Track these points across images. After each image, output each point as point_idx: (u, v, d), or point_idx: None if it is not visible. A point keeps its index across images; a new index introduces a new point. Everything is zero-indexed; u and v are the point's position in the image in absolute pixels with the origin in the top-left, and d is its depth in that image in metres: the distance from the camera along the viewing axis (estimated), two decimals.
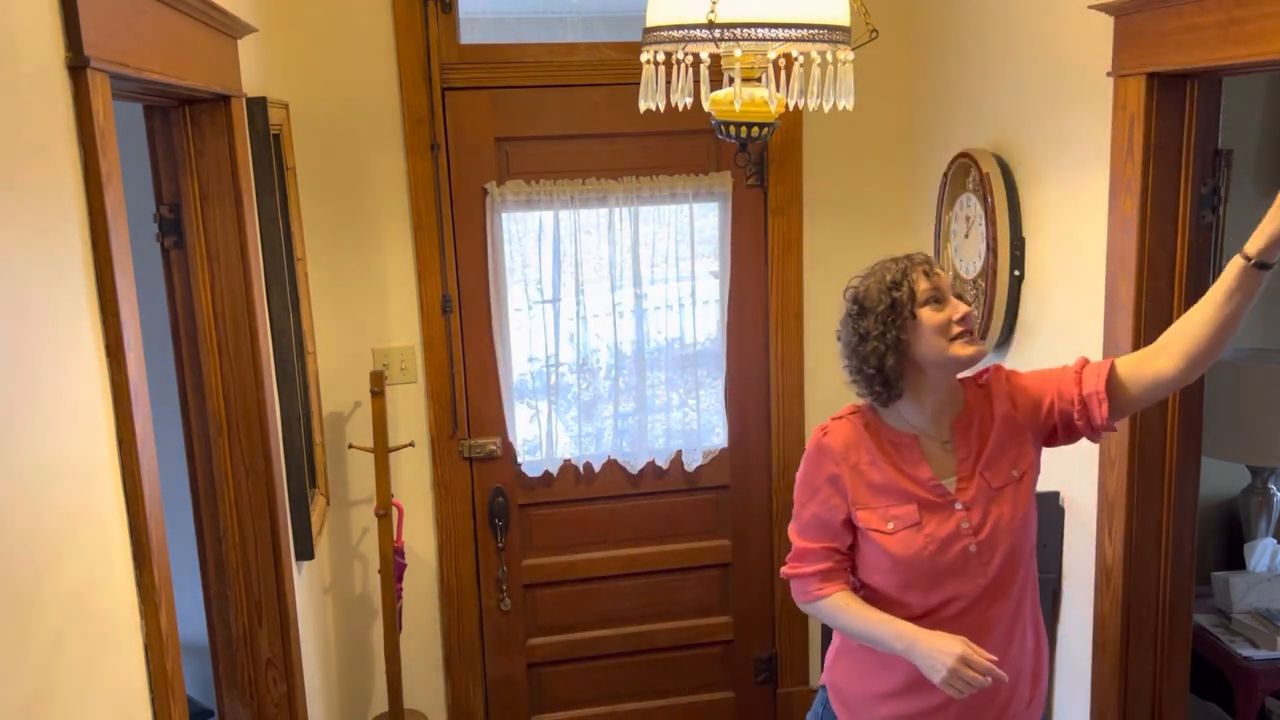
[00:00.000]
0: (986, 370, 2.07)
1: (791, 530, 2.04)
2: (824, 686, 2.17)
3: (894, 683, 1.97)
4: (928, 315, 1.89)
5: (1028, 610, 1.99)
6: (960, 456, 1.96)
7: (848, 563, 2.01)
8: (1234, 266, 1.76)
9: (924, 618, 1.92)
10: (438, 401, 3.29)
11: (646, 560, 3.52)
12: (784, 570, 2.05)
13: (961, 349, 1.89)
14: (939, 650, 1.80)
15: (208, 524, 2.23)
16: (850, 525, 1.97)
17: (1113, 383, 1.92)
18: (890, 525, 1.92)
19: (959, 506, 1.93)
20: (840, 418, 2.02)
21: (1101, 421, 1.92)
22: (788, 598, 3.61)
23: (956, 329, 1.90)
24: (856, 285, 1.97)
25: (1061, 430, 1.99)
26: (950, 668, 1.77)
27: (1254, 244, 1.74)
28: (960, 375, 2.00)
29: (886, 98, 3.37)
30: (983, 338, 2.84)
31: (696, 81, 1.80)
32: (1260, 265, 1.74)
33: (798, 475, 2.04)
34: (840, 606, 1.96)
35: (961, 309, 1.90)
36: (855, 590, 2.01)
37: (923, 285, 1.91)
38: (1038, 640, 2.03)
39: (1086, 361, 1.97)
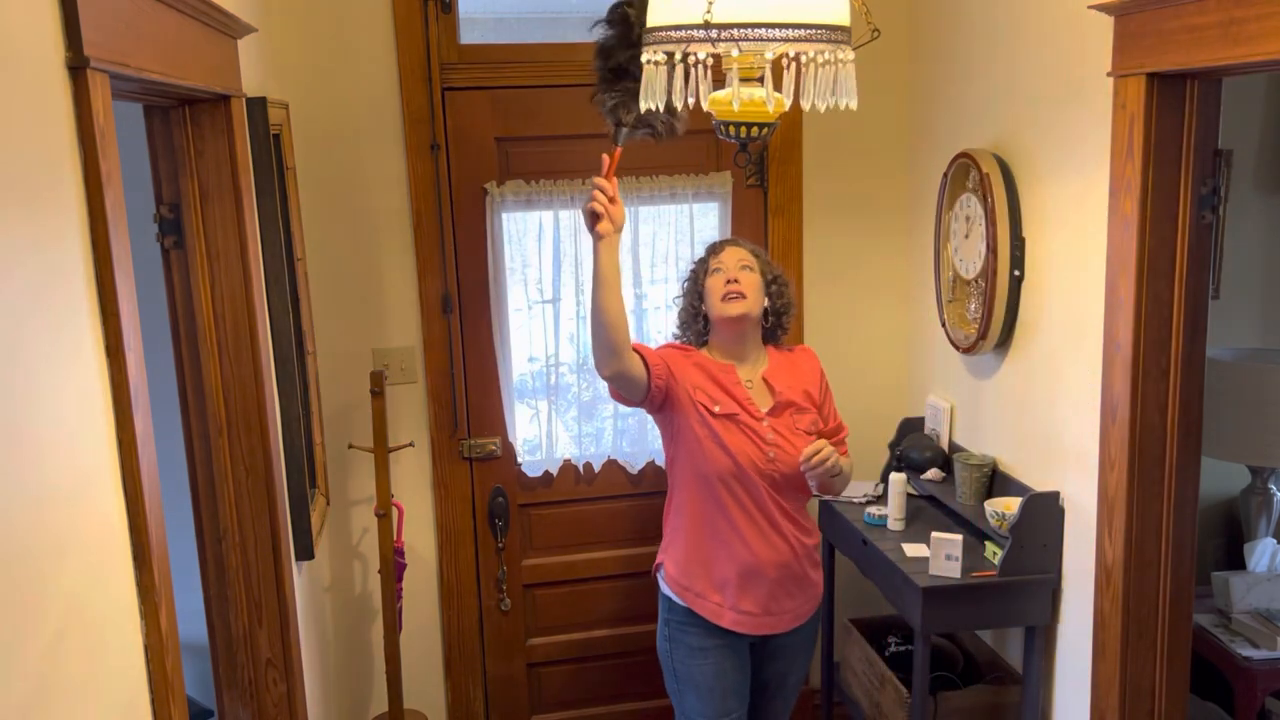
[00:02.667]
0: (799, 347, 2.75)
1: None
2: (662, 583, 2.66)
3: (726, 552, 2.53)
4: (710, 283, 2.59)
5: (793, 513, 2.56)
6: (778, 390, 2.57)
7: (646, 366, 2.49)
8: None
9: (719, 489, 2.51)
10: (438, 401, 3.29)
11: (647, 560, 3.49)
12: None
13: (724, 307, 2.55)
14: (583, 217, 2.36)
15: (208, 524, 2.23)
16: (662, 389, 2.51)
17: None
18: (717, 407, 2.51)
19: (766, 424, 2.52)
20: (672, 345, 2.67)
21: None
22: None
23: (723, 289, 2.54)
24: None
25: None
26: (583, 210, 2.35)
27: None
28: (771, 343, 2.67)
29: (887, 98, 3.37)
30: (983, 337, 2.85)
31: (695, 81, 1.80)
32: None
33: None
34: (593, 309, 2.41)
35: (732, 276, 2.55)
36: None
37: (711, 262, 2.62)
38: (801, 538, 2.58)
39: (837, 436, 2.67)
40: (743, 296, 2.53)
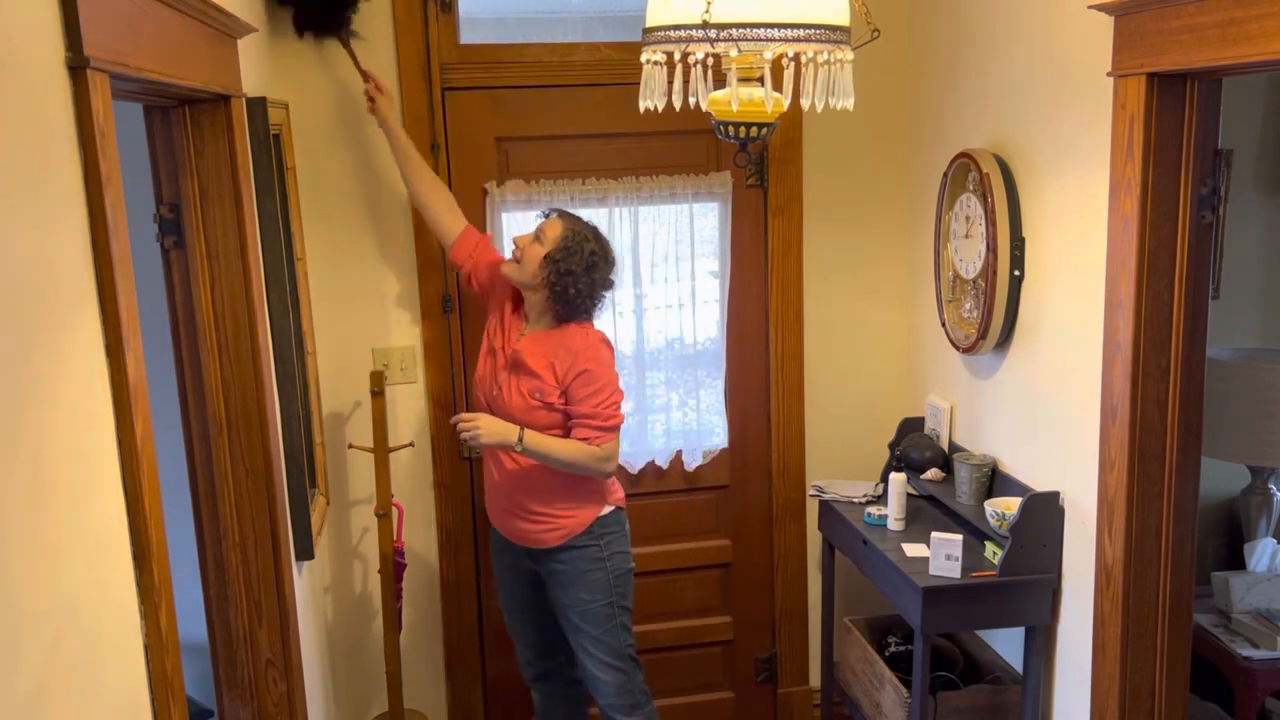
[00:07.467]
0: (585, 334, 2.77)
1: None
2: None
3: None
4: None
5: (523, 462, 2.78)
6: (517, 349, 2.79)
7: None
8: None
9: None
10: (438, 401, 3.29)
11: (646, 560, 3.51)
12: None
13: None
14: None
15: (208, 524, 2.23)
16: (464, 273, 2.98)
17: None
18: (489, 341, 2.89)
19: (505, 367, 2.80)
20: None
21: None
22: (788, 598, 3.62)
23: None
24: None
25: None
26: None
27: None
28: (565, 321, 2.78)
29: (886, 98, 3.37)
30: (983, 337, 2.85)
31: (691, 81, 1.80)
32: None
33: None
34: None
35: (521, 241, 2.77)
36: None
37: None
38: (529, 477, 2.78)
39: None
40: (515, 260, 2.75)
